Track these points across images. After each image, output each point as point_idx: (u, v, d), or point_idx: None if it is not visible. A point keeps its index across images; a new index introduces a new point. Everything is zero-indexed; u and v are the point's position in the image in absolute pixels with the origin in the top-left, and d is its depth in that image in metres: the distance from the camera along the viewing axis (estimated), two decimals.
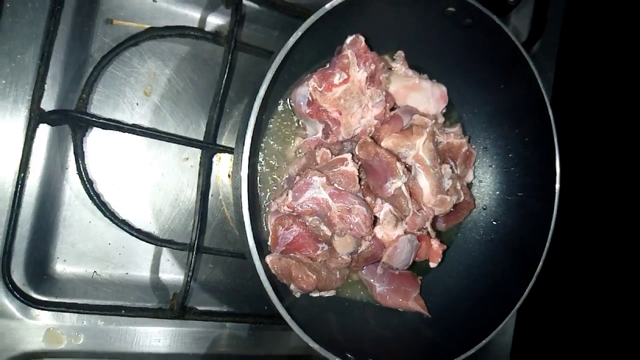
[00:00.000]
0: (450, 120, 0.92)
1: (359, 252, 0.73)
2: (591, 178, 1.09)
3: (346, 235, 0.70)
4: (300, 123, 0.80)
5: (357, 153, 0.73)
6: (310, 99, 0.73)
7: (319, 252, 0.73)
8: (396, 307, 0.83)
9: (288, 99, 0.79)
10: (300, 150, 0.78)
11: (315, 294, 0.77)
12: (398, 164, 0.71)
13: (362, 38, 0.75)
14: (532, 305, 0.84)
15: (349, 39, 0.74)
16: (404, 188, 0.71)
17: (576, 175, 0.92)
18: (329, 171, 0.71)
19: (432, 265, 0.85)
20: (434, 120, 0.81)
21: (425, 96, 0.84)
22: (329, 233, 0.71)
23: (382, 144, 0.76)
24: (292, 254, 0.73)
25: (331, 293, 0.78)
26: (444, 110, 0.88)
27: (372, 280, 0.82)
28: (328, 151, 0.74)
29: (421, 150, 0.75)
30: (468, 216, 0.92)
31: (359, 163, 0.73)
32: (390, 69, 0.84)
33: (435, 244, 0.82)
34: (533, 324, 1.11)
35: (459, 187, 0.81)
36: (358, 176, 0.72)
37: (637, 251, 1.00)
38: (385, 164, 0.71)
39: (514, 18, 1.11)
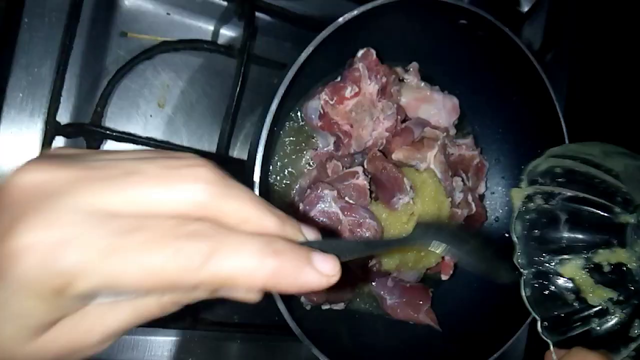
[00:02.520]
0: (463, 132, 0.92)
1: (369, 265, 0.73)
2: None
3: None
4: (311, 135, 0.80)
5: (365, 167, 0.73)
6: (321, 112, 0.73)
7: None
8: (407, 319, 0.82)
9: (299, 112, 0.79)
10: (311, 162, 0.79)
11: (326, 306, 0.78)
12: (405, 179, 0.71)
13: (373, 51, 0.75)
14: None
15: (360, 52, 0.75)
16: (412, 202, 0.71)
17: None
18: (340, 184, 0.71)
19: (444, 277, 0.84)
20: (445, 133, 0.81)
21: (437, 108, 0.84)
22: None
23: (393, 156, 0.76)
24: None
25: (341, 306, 0.78)
26: (456, 122, 0.87)
27: (382, 292, 0.82)
28: (339, 164, 0.74)
29: (432, 163, 0.75)
30: (480, 228, 0.92)
31: (370, 176, 0.74)
32: (401, 80, 0.84)
33: (447, 256, 0.82)
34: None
35: (470, 200, 0.81)
36: (369, 189, 0.72)
37: None
38: (393, 179, 0.71)
39: (527, 28, 1.10)
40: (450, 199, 0.76)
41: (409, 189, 0.72)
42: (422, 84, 0.84)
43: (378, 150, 0.77)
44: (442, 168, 0.76)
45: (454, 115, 0.86)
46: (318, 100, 0.73)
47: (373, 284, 0.82)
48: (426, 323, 0.82)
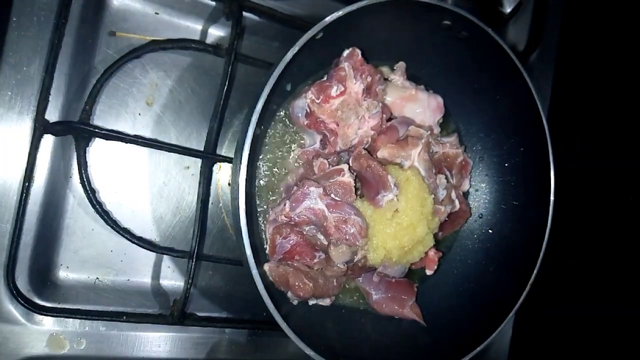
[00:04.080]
0: (447, 130, 0.94)
1: (354, 260, 0.74)
2: (586, 186, 1.10)
3: (342, 245, 0.71)
4: (298, 134, 0.81)
5: (351, 165, 0.74)
6: (308, 110, 0.74)
7: (315, 261, 0.75)
8: (392, 314, 0.84)
9: (286, 111, 0.80)
10: (298, 160, 0.80)
11: (312, 302, 0.79)
12: (389, 177, 0.73)
13: (358, 51, 0.76)
14: (529, 311, 0.86)
15: (345, 52, 0.76)
16: (395, 199, 0.73)
17: (571, 183, 0.93)
18: (326, 181, 0.72)
19: (428, 272, 0.86)
20: (429, 131, 0.82)
21: (422, 107, 0.85)
22: (325, 242, 0.72)
23: (378, 154, 0.78)
24: (289, 262, 0.74)
25: (327, 302, 0.80)
26: (441, 121, 0.89)
27: (368, 288, 0.83)
28: (325, 162, 0.75)
29: (416, 161, 0.77)
30: (464, 225, 0.93)
31: (355, 174, 0.75)
32: (386, 79, 0.85)
33: (431, 251, 0.83)
34: (530, 329, 1.12)
35: (454, 197, 0.83)
36: (354, 186, 0.74)
37: (630, 257, 1.01)
38: (378, 176, 0.72)
39: (511, 28, 1.12)
40: (433, 196, 0.77)
41: (393, 186, 0.73)
42: (408, 83, 0.86)
43: (363, 148, 0.78)
44: (426, 166, 0.78)
45: (439, 114, 0.87)
46: (304, 99, 0.74)
47: (359, 279, 0.84)
48: (411, 318, 0.84)
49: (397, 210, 0.74)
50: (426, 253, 0.81)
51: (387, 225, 0.74)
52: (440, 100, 0.87)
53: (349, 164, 0.75)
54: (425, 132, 0.80)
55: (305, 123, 0.75)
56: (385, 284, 0.83)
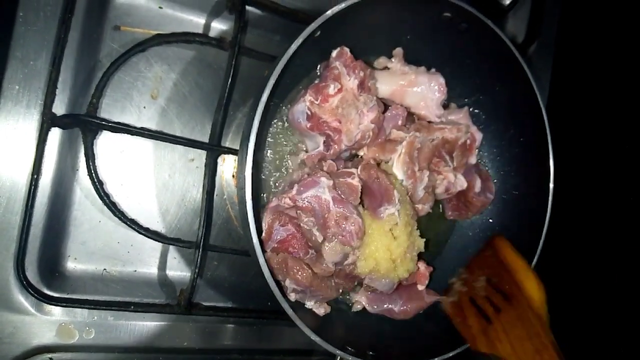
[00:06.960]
0: (457, 104, 0.95)
1: (343, 264, 0.75)
2: (584, 176, 1.12)
3: (336, 242, 0.72)
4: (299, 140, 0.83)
5: (359, 173, 0.75)
6: (309, 113, 0.74)
7: (307, 257, 0.75)
8: (420, 310, 0.85)
9: (285, 117, 0.82)
10: (303, 164, 0.80)
11: (309, 304, 0.79)
12: (395, 192, 0.74)
13: (347, 49, 0.77)
14: None
15: (334, 52, 0.77)
16: (397, 214, 0.75)
17: (570, 174, 0.94)
18: (336, 179, 0.74)
19: (420, 288, 0.86)
20: (426, 119, 0.84)
21: (424, 90, 0.85)
22: (319, 239, 0.72)
23: (363, 155, 0.80)
24: (282, 253, 0.74)
25: (322, 311, 0.80)
26: (444, 101, 0.89)
27: (386, 306, 0.84)
28: (334, 163, 0.77)
29: (395, 165, 0.79)
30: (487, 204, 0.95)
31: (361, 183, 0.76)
32: (386, 68, 0.86)
33: (422, 266, 0.84)
34: None
35: (452, 179, 0.85)
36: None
37: (629, 247, 1.02)
38: (384, 189, 0.74)
39: (510, 20, 1.13)
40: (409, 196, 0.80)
41: (397, 201, 0.74)
42: (407, 68, 0.86)
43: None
44: (406, 168, 0.80)
45: (441, 95, 0.87)
46: (303, 103, 0.74)
47: (374, 307, 0.85)
48: (433, 301, 0.86)
49: (397, 224, 0.76)
50: (418, 268, 0.83)
51: (383, 237, 0.75)
52: (442, 79, 0.87)
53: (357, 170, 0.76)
54: (406, 134, 0.81)
55: (307, 126, 0.75)
56: (398, 291, 0.84)
